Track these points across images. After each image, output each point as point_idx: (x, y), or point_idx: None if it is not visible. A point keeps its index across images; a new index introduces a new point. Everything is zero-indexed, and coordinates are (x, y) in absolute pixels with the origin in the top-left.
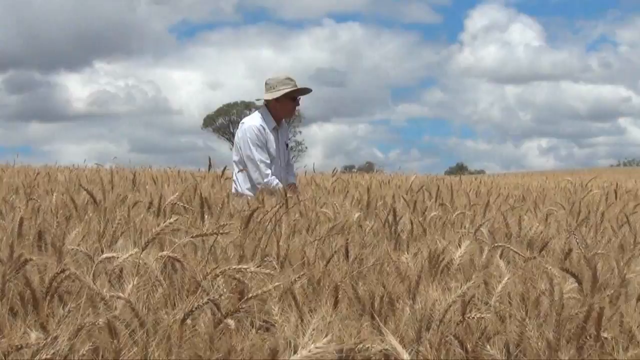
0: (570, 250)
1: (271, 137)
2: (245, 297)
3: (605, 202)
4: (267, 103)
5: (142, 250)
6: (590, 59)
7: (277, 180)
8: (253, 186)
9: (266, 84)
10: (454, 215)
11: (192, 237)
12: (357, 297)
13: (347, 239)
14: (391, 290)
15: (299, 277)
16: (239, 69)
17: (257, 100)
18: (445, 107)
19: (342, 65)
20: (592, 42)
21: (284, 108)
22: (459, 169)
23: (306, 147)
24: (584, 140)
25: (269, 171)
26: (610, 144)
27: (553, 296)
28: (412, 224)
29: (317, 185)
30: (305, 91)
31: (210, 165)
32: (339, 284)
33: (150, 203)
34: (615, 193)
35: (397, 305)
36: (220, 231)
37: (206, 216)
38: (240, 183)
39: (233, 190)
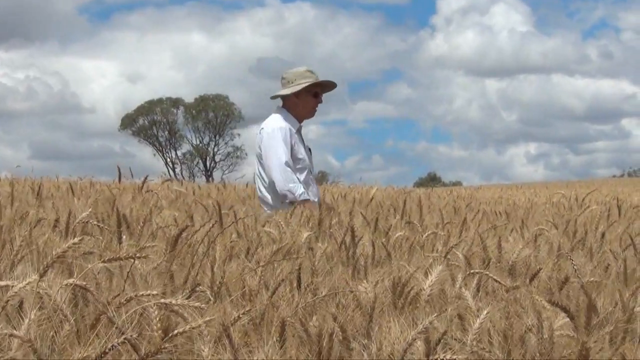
0: (567, 278)
1: (297, 140)
2: (170, 335)
3: (607, 221)
4: (285, 101)
5: (41, 277)
6: (587, 48)
7: (304, 189)
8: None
9: (283, 78)
10: (423, 236)
11: (105, 261)
12: (307, 334)
13: (299, 265)
14: (347, 326)
15: (243, 313)
16: (164, 59)
17: (273, 98)
18: (413, 105)
19: (289, 54)
20: (590, 28)
21: (305, 105)
22: (431, 180)
23: (246, 154)
24: (581, 145)
25: (295, 177)
26: (612, 150)
27: (541, 333)
28: (373, 246)
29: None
30: (330, 86)
31: (120, 176)
32: (287, 319)
33: (57, 221)
34: (619, 209)
35: (353, 345)
36: (140, 254)
37: (124, 237)
38: (272, 200)
39: (265, 213)
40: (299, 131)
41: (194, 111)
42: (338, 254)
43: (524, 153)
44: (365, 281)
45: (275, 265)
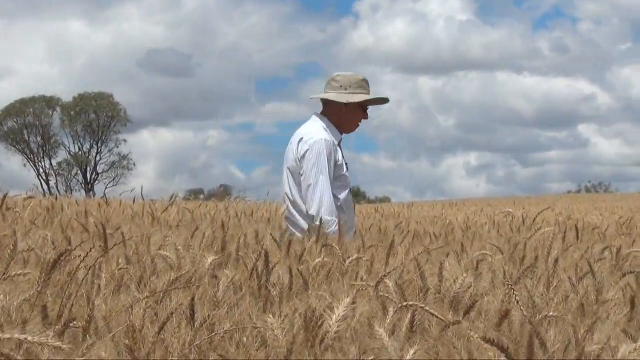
0: (507, 311)
1: (340, 155)
2: None
3: (562, 244)
4: (328, 107)
5: None
6: (538, 41)
7: (336, 227)
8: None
9: (334, 80)
10: (346, 263)
11: None
12: None
13: (193, 296)
14: None
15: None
16: (37, 50)
17: (312, 98)
18: None
19: (186, 45)
20: (542, 17)
21: (352, 119)
22: (354, 196)
23: (134, 164)
24: (530, 155)
25: (335, 209)
26: (567, 161)
27: None
28: (291, 274)
29: (153, 218)
30: (383, 102)
31: None
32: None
33: None
34: (576, 231)
35: None
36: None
37: None
38: (302, 219)
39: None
40: (339, 144)
41: (72, 112)
42: (248, 283)
43: (463, 164)
44: (272, 315)
45: (171, 296)
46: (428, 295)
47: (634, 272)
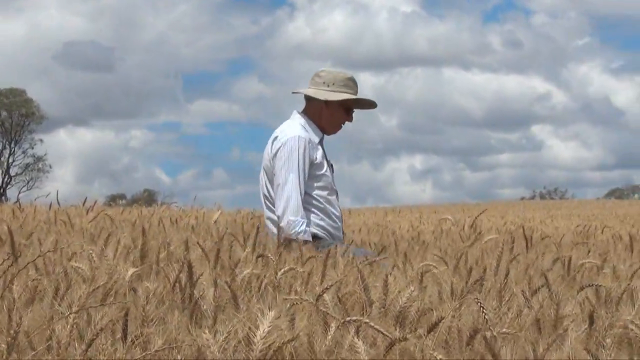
0: (476, 330)
1: (320, 154)
2: None
3: (512, 254)
4: (310, 104)
5: None
6: (489, 35)
7: (307, 228)
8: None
9: (318, 76)
10: (279, 273)
11: None
12: None
13: (126, 311)
14: None
15: None
16: None
17: (295, 92)
18: (266, 105)
19: (107, 38)
20: (493, 10)
21: (332, 118)
22: None
23: (50, 166)
24: (480, 159)
25: (302, 209)
26: (520, 165)
27: None
28: (216, 286)
29: (68, 225)
30: (370, 106)
31: None
32: None
33: None
34: (529, 240)
35: None
36: None
37: None
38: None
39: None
40: (320, 143)
41: None
42: (171, 295)
43: (407, 168)
44: (208, 330)
45: (97, 310)
46: (372, 309)
47: (592, 285)
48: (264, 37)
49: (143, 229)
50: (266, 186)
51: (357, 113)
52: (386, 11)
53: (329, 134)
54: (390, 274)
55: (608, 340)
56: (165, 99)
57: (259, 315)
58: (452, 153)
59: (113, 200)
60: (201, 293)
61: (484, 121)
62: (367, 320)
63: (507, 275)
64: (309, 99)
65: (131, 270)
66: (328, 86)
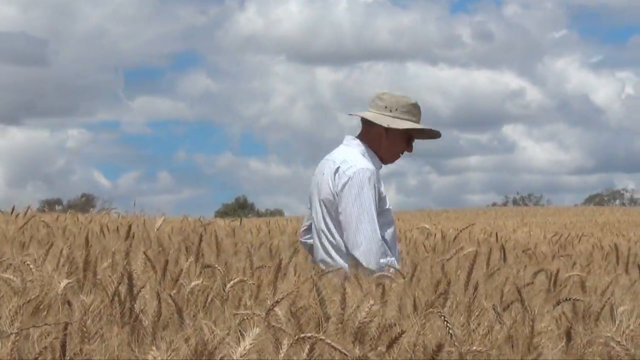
0: (441, 346)
1: (383, 187)
2: None
3: (486, 266)
4: (367, 130)
5: None
6: (457, 27)
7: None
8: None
9: (379, 98)
10: (228, 286)
11: None
12: None
13: (65, 327)
14: None
15: None
16: None
17: (351, 115)
18: (215, 103)
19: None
20: None
21: (392, 147)
22: (240, 208)
23: None
24: (448, 162)
25: (387, 249)
26: (491, 168)
27: None
28: (159, 299)
29: None
30: (434, 136)
31: None
32: None
33: None
34: (502, 251)
35: None
36: None
37: None
38: (346, 265)
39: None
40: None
41: None
42: (110, 309)
43: None
44: (153, 347)
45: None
46: (329, 325)
47: (569, 299)
48: (212, 29)
49: (87, 239)
50: (326, 222)
51: (314, 110)
52: (346, 0)
53: (386, 163)
54: (348, 286)
55: (587, 359)
56: (104, 96)
57: (206, 331)
58: (417, 155)
59: (48, 205)
60: (142, 307)
61: (452, 120)
62: (323, 337)
63: (475, 289)
64: (368, 123)
65: (64, 282)
66: (390, 111)
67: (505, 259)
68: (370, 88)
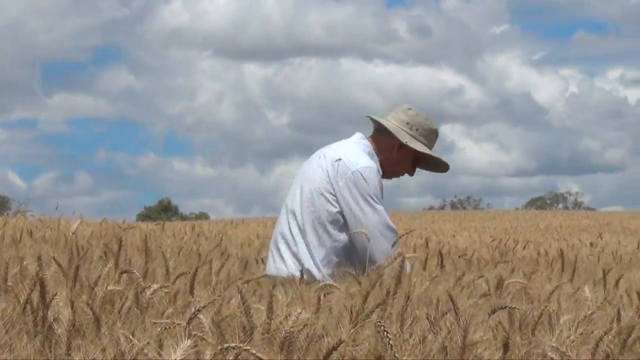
0: (380, 357)
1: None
2: None
3: (424, 272)
4: (382, 138)
5: None
6: (394, 21)
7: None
8: (339, 261)
9: (403, 112)
10: (148, 293)
11: None
12: None
13: None
14: None
15: None
16: None
17: (370, 117)
18: (137, 100)
19: None
20: None
21: (398, 165)
22: (163, 211)
23: None
24: None
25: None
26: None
27: None
28: (73, 307)
29: None
30: (442, 168)
31: None
32: None
33: None
34: (440, 257)
35: None
36: None
37: None
38: (316, 255)
39: (295, 269)
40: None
41: None
42: (22, 318)
43: None
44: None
45: None
46: (254, 334)
47: (505, 307)
48: (134, 22)
49: None
50: (317, 217)
51: (242, 107)
52: None
53: (386, 177)
54: (277, 293)
55: None
56: (19, 92)
57: (123, 340)
58: None
59: None
60: (55, 315)
61: None
62: (248, 347)
63: (408, 297)
64: (384, 132)
65: None
66: (411, 128)
67: (442, 266)
68: (301, 85)
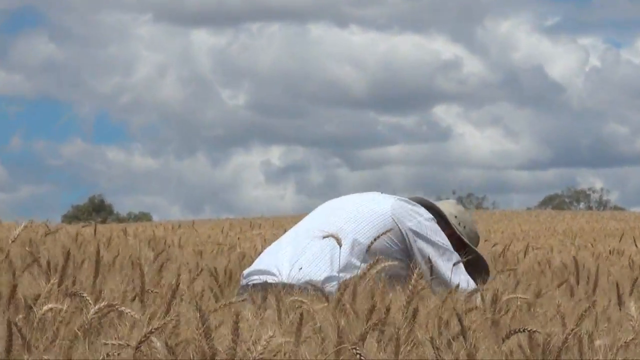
0: None
1: None
2: None
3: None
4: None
5: None
6: None
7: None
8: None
9: (453, 205)
10: (91, 311)
11: None
12: None
13: None
14: None
15: None
16: None
17: (439, 202)
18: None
19: None
20: None
21: None
22: (95, 210)
23: None
24: (362, 152)
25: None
26: (418, 160)
27: None
28: (10, 330)
29: None
30: (480, 273)
31: None
32: None
33: None
34: None
35: None
36: None
37: None
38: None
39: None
40: None
41: None
42: None
43: (260, 165)
44: None
45: None
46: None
47: (523, 330)
48: None
49: None
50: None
51: (189, 84)
52: None
53: None
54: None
55: None
56: None
57: None
58: (323, 144)
59: None
60: None
61: (368, 99)
62: None
63: (414, 317)
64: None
65: None
66: (459, 223)
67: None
68: (261, 57)
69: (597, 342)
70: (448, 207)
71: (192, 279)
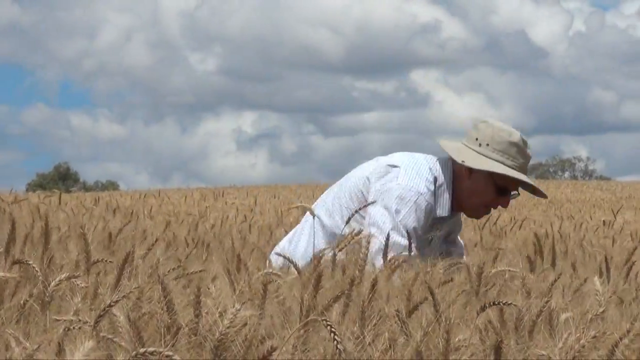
0: None
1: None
2: None
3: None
4: (456, 168)
5: None
6: None
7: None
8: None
9: (475, 127)
10: (52, 284)
11: None
12: None
13: None
14: None
15: None
16: None
17: (439, 141)
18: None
19: None
20: None
21: (474, 196)
22: (60, 179)
23: None
24: (337, 119)
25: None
26: (396, 128)
27: None
28: None
29: None
30: (533, 192)
31: None
32: None
33: None
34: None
35: None
36: None
37: None
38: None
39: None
40: (443, 220)
41: None
42: None
43: (231, 132)
44: None
45: None
46: (179, 336)
47: (498, 303)
48: None
49: None
50: (337, 201)
51: (157, 48)
52: None
53: (467, 215)
54: (211, 285)
55: None
56: None
57: (13, 343)
58: (296, 110)
59: None
60: None
61: (343, 64)
62: (171, 353)
63: (373, 288)
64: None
65: None
66: (480, 145)
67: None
68: (231, 19)
69: (564, 316)
70: (470, 134)
71: (147, 249)
